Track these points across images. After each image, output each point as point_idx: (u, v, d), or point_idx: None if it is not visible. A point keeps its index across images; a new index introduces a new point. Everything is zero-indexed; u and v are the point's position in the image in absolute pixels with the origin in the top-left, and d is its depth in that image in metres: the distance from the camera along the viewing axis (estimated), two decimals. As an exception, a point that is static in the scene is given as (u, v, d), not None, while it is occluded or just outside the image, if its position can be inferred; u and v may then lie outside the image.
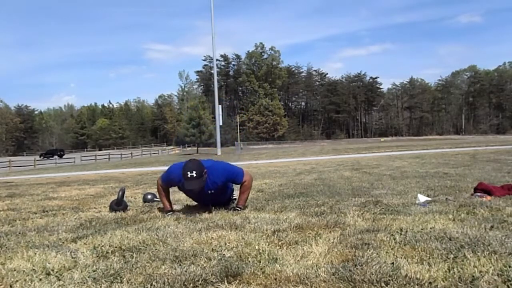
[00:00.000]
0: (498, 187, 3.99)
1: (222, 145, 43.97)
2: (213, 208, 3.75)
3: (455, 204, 3.42)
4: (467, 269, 1.77)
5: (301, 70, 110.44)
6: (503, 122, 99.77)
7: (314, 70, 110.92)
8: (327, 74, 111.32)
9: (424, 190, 4.45)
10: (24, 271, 2.01)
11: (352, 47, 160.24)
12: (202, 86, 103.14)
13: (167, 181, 3.67)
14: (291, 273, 1.81)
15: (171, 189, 3.80)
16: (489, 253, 1.96)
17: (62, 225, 3.29)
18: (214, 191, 3.62)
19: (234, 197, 4.11)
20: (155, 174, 11.24)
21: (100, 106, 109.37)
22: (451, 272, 1.75)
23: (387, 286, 1.64)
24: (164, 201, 3.68)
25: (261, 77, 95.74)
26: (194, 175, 3.28)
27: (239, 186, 3.75)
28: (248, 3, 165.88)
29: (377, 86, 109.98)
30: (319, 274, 1.78)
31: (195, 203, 4.15)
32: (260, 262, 2.00)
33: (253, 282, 1.76)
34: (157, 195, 4.60)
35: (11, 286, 1.82)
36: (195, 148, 53.96)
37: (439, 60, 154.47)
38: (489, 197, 3.64)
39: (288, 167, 11.38)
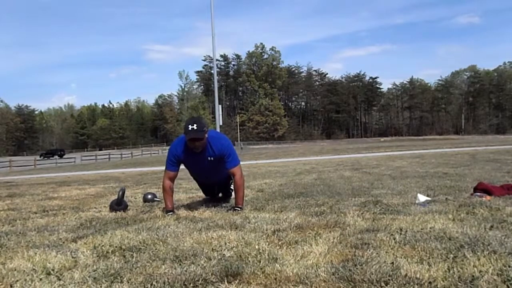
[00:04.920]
0: (497, 187, 3.99)
1: (222, 145, 43.69)
2: (214, 207, 3.77)
3: (455, 204, 3.41)
4: (467, 269, 1.77)
5: (301, 70, 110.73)
6: (503, 122, 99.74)
7: (314, 70, 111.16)
8: (327, 74, 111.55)
9: (424, 190, 4.45)
10: (24, 271, 2.01)
11: (352, 47, 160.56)
12: (202, 86, 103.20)
13: (171, 162, 3.69)
14: (291, 273, 1.81)
15: (174, 186, 3.80)
16: (488, 253, 1.96)
17: (62, 225, 3.29)
18: (213, 159, 3.69)
19: (231, 188, 4.15)
20: (155, 174, 11.24)
21: (100, 106, 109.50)
22: (451, 272, 1.75)
23: (387, 285, 1.64)
24: (167, 200, 3.68)
25: (261, 77, 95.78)
26: (195, 127, 3.47)
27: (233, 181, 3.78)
28: (248, 3, 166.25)
29: (377, 86, 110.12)
30: (319, 274, 1.79)
31: (195, 203, 4.14)
32: (260, 262, 2.00)
33: (253, 282, 1.76)
34: (157, 195, 4.63)
35: (11, 286, 1.82)
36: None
37: (439, 60, 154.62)
38: (489, 197, 3.64)
39: (288, 167, 11.38)
